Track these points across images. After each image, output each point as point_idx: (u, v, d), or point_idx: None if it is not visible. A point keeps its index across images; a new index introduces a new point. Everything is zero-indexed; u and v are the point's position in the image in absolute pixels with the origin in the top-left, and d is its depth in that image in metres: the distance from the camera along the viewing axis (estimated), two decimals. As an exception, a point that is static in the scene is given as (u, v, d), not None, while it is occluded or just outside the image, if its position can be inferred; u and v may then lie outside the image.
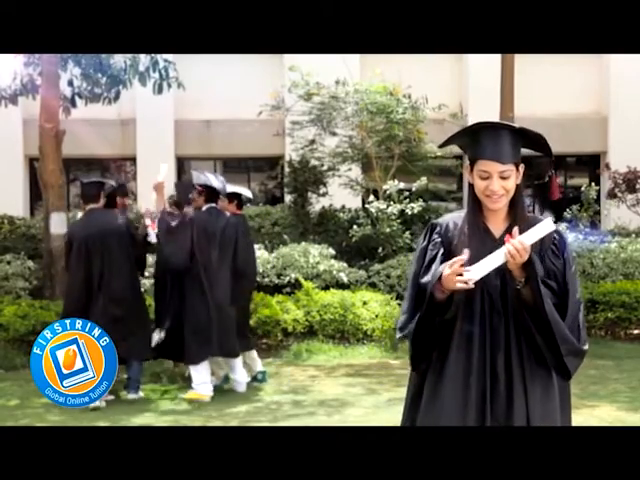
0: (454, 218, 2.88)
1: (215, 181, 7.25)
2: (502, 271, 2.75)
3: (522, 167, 2.80)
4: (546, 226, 2.70)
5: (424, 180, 11.63)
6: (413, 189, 11.57)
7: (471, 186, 2.84)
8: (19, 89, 10.18)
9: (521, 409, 2.73)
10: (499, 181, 2.73)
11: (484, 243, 2.79)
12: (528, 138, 2.81)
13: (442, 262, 2.80)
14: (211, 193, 7.17)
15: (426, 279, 2.78)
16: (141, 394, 7.11)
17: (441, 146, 2.97)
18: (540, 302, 2.68)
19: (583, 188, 12.21)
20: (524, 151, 2.85)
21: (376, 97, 11.72)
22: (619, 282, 10.14)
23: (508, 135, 2.75)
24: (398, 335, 2.84)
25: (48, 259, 10.04)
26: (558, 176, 16.78)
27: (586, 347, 2.82)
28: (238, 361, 7.26)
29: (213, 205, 7.19)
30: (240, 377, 7.28)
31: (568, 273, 2.80)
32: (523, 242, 2.64)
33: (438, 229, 2.89)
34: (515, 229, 2.67)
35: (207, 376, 7.05)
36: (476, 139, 2.77)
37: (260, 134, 14.69)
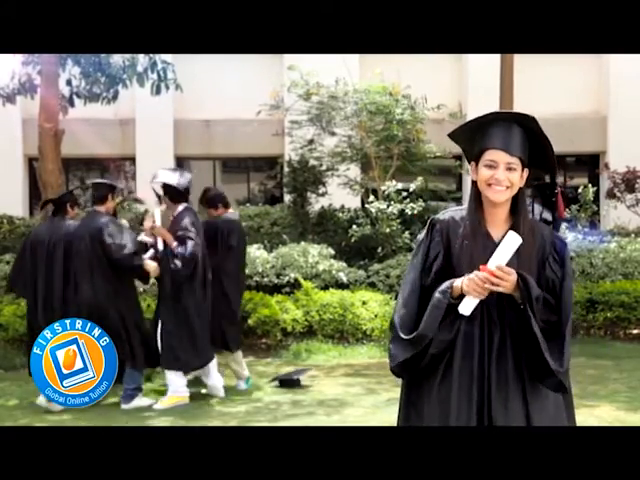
0: (455, 215, 2.87)
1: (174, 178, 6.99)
2: None
3: (526, 172, 2.80)
4: (513, 240, 2.68)
5: (420, 180, 11.63)
6: (411, 189, 11.56)
7: (473, 185, 2.83)
8: (17, 88, 10.18)
9: (519, 417, 2.73)
10: (505, 172, 2.74)
11: (484, 246, 2.79)
12: (535, 145, 2.81)
13: (441, 262, 2.82)
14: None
15: (441, 288, 2.76)
16: (137, 403, 6.82)
17: (451, 135, 2.94)
18: (530, 322, 2.70)
19: (580, 189, 12.14)
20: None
21: (375, 97, 11.72)
22: (618, 282, 10.14)
23: (517, 130, 2.77)
24: (404, 336, 2.79)
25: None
26: (558, 176, 16.81)
27: (563, 369, 2.74)
28: (212, 366, 7.10)
29: (187, 205, 6.96)
30: (216, 382, 7.13)
31: (566, 287, 2.81)
32: (501, 267, 2.65)
33: (438, 226, 2.88)
34: (482, 268, 2.67)
35: (183, 378, 6.91)
36: (486, 130, 2.79)
37: (260, 134, 14.70)
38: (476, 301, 2.69)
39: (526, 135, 2.79)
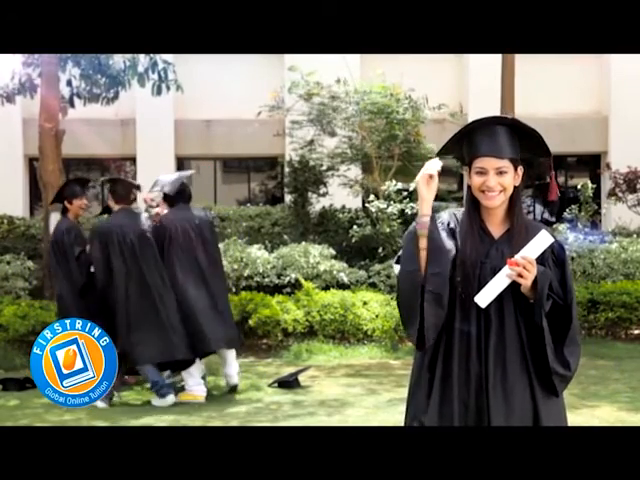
0: (456, 214, 2.88)
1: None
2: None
3: (521, 169, 2.80)
4: (544, 238, 2.71)
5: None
6: (412, 189, 11.55)
7: (469, 189, 2.84)
8: (17, 88, 10.18)
9: (526, 415, 2.73)
10: (496, 177, 2.74)
11: (482, 243, 2.80)
12: (524, 136, 2.81)
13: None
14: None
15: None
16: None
17: (440, 154, 2.95)
18: (540, 320, 2.71)
19: (579, 186, 12.05)
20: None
21: (376, 97, 11.72)
22: (620, 282, 10.13)
23: (503, 131, 2.76)
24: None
25: (48, 259, 10.02)
26: (559, 176, 16.80)
27: (570, 373, 2.78)
28: (230, 354, 7.17)
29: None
30: (231, 370, 7.19)
31: (569, 284, 2.81)
32: (527, 257, 2.65)
33: (440, 226, 2.89)
34: (517, 257, 2.67)
35: (199, 377, 7.00)
36: (471, 138, 2.79)
37: (260, 134, 14.69)
38: (495, 294, 2.69)
39: (513, 133, 2.78)
